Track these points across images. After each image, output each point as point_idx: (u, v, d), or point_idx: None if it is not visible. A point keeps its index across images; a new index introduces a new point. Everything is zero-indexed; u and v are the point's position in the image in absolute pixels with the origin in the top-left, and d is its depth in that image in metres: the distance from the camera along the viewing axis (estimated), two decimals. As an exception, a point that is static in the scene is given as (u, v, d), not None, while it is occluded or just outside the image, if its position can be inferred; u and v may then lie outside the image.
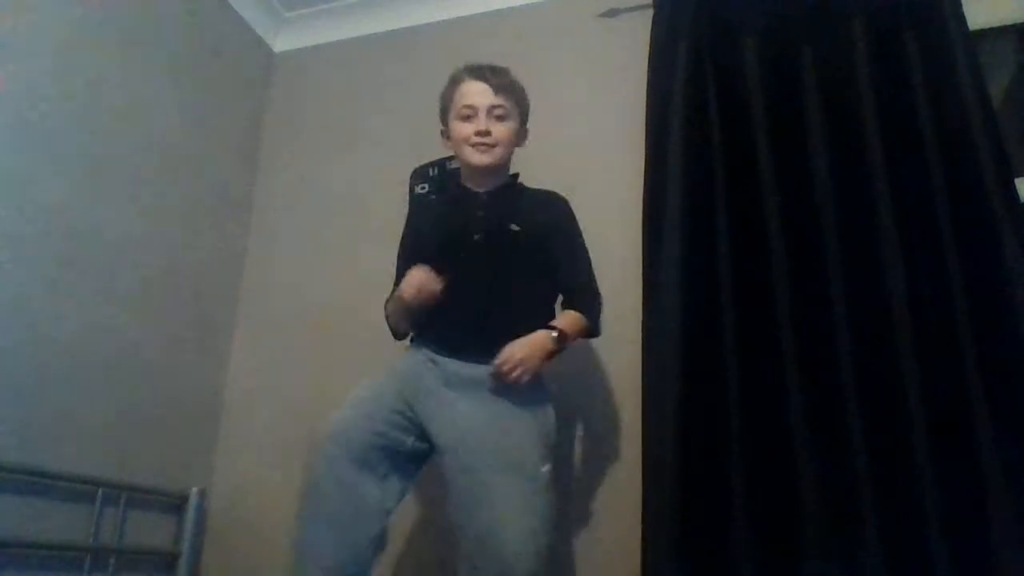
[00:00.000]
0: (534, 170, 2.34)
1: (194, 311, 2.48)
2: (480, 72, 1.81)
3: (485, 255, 1.72)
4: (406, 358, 1.75)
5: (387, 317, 1.84)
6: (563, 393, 2.16)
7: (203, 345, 2.52)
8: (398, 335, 1.84)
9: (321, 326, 2.54)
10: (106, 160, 2.20)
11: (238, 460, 2.48)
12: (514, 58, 2.62)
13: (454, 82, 1.85)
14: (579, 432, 2.12)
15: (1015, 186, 1.87)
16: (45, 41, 2.05)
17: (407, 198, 2.57)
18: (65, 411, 2.00)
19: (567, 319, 1.72)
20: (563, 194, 1.91)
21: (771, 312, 1.90)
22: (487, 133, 1.77)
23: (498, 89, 1.80)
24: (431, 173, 2.58)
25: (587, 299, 1.78)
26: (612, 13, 2.52)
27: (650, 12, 2.36)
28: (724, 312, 1.94)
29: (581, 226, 1.87)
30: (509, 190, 1.86)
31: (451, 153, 1.93)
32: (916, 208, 1.89)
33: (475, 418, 1.62)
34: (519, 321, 1.67)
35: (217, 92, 2.67)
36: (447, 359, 1.68)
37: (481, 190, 1.84)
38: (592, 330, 1.78)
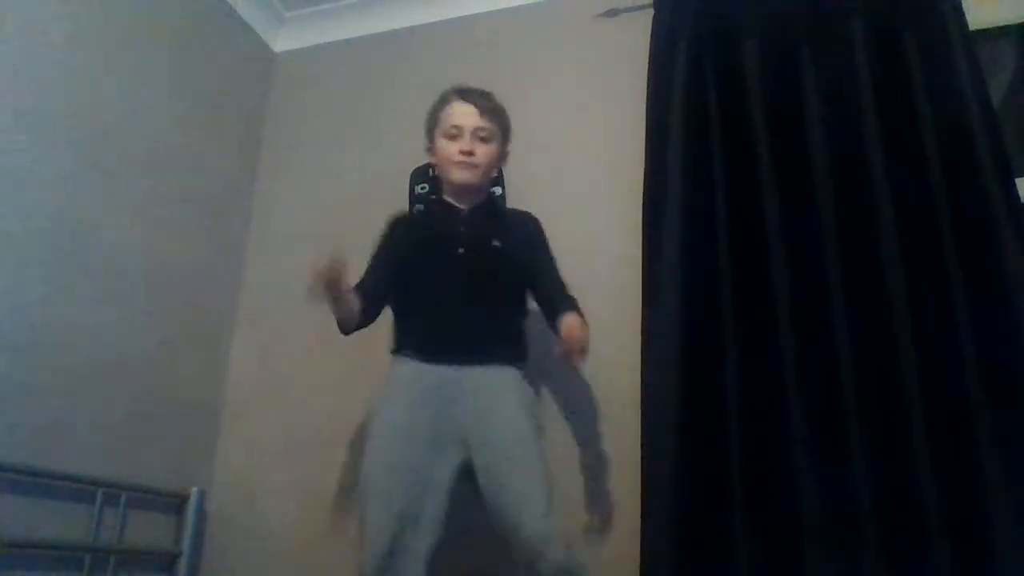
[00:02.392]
0: (534, 171, 2.35)
1: (194, 311, 2.48)
2: (468, 94, 1.90)
3: (466, 267, 1.81)
4: (397, 380, 1.79)
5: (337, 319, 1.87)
6: (564, 394, 2.17)
7: (203, 345, 2.52)
8: (343, 329, 1.89)
9: (321, 326, 2.53)
10: (106, 160, 2.20)
11: (238, 460, 2.48)
12: (514, 58, 2.64)
13: (443, 102, 1.93)
14: (579, 433, 2.12)
15: (1015, 186, 1.87)
16: (44, 41, 2.05)
17: (407, 198, 2.58)
18: (65, 411, 2.00)
19: (575, 317, 1.74)
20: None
21: (771, 312, 1.90)
22: (471, 153, 1.86)
23: (484, 112, 1.88)
24: (431, 173, 2.58)
25: (574, 302, 1.84)
26: (612, 13, 2.52)
27: (650, 12, 2.36)
28: (724, 312, 1.94)
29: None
30: (489, 207, 1.97)
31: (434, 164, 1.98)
32: (916, 208, 1.89)
33: (480, 416, 1.70)
34: (495, 327, 1.79)
35: (217, 92, 2.67)
36: (435, 366, 1.75)
37: (463, 206, 1.92)
38: None
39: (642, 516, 1.84)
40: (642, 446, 1.91)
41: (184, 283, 2.44)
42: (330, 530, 2.28)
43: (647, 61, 2.28)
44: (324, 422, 2.41)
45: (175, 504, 2.30)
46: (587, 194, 2.35)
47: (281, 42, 2.99)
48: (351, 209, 2.67)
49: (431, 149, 1.96)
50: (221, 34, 2.72)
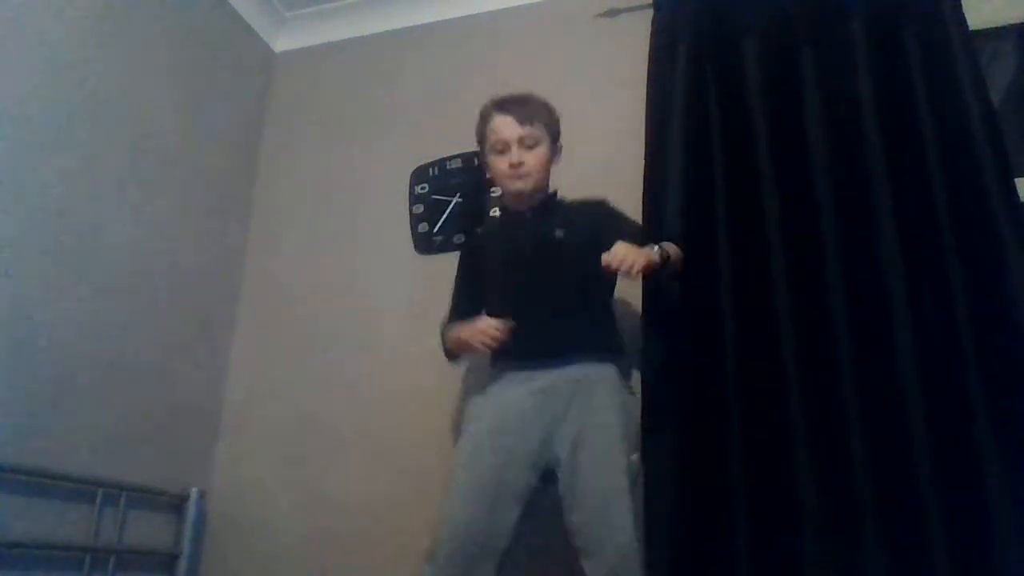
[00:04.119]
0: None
1: (194, 311, 2.48)
2: (506, 105, 1.91)
3: (537, 266, 1.84)
4: (493, 387, 1.83)
5: (443, 339, 1.93)
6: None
7: (203, 345, 2.52)
8: (451, 359, 1.96)
9: (321, 326, 2.54)
10: (106, 160, 2.20)
11: (238, 460, 2.48)
12: (514, 58, 2.64)
13: (484, 118, 1.95)
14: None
15: (1015, 186, 1.87)
16: (44, 41, 2.05)
17: (407, 198, 2.58)
18: (65, 411, 2.00)
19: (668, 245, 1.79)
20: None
21: (771, 312, 1.90)
22: (520, 164, 1.87)
23: (523, 119, 1.89)
24: (431, 173, 2.59)
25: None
26: (612, 13, 2.52)
27: (650, 12, 2.35)
28: (724, 312, 1.94)
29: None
30: (549, 203, 1.97)
31: (491, 179, 2.06)
32: (916, 208, 1.89)
33: (569, 422, 1.73)
34: (580, 318, 1.81)
35: (217, 92, 2.67)
36: (531, 371, 1.78)
37: (524, 209, 1.94)
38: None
39: (644, 516, 1.83)
40: (644, 446, 1.91)
41: (184, 284, 2.44)
42: (329, 530, 2.28)
43: (647, 61, 2.27)
44: (324, 422, 2.41)
45: (175, 504, 2.30)
46: (587, 193, 2.35)
47: (281, 42, 2.99)
48: (351, 209, 2.67)
49: (485, 166, 2.00)
50: (221, 34, 2.72)
